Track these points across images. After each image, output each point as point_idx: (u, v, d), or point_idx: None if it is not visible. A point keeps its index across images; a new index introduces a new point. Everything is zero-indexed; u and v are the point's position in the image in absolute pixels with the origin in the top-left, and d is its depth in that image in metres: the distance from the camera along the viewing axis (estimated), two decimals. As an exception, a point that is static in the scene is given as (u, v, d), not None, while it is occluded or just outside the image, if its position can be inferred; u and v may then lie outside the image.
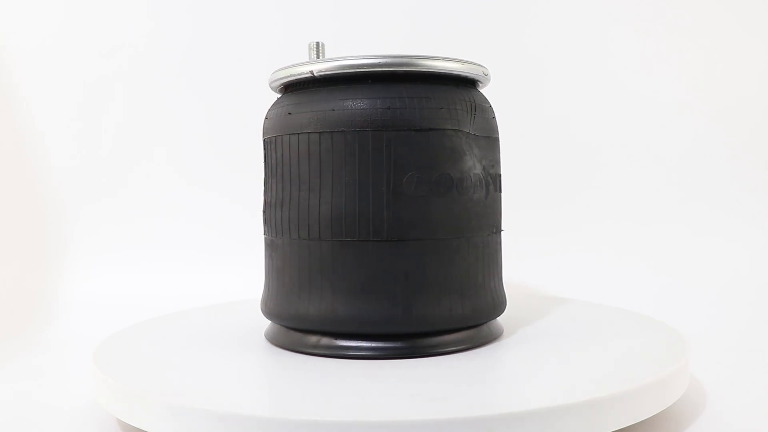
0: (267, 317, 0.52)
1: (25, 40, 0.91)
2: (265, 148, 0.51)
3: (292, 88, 0.50)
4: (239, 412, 0.36)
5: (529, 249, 0.85)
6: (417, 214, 0.46)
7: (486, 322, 0.50)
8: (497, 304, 0.50)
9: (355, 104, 0.46)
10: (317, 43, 0.52)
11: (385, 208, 0.46)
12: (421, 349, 0.47)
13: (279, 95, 0.53)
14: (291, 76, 0.49)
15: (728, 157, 0.89)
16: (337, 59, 0.47)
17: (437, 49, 0.58)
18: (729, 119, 0.89)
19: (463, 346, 0.48)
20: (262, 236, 0.53)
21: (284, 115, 0.49)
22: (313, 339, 0.48)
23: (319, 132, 0.46)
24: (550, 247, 0.87)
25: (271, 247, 0.51)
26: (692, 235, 0.87)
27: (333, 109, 0.46)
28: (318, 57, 0.52)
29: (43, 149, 0.92)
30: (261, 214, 0.52)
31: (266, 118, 0.51)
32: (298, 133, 0.47)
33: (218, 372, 0.45)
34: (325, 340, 0.47)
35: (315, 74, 0.47)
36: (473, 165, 0.48)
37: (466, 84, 0.50)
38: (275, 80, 0.51)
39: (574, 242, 0.88)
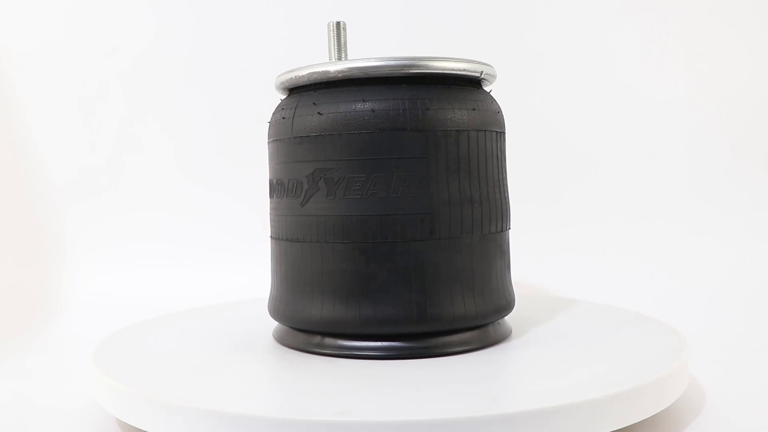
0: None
1: (26, 38, 0.91)
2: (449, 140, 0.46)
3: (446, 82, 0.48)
4: (240, 412, 0.36)
5: (529, 248, 0.85)
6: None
7: (494, 322, 0.50)
8: (506, 303, 0.50)
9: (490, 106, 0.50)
10: (337, 23, 0.49)
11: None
12: (430, 349, 0.46)
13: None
14: (478, 71, 0.48)
15: (729, 156, 0.89)
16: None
17: (435, 48, 0.58)
18: (730, 118, 0.89)
19: (470, 347, 0.47)
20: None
21: (466, 110, 0.47)
22: (319, 339, 0.48)
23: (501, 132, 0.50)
24: (549, 247, 0.87)
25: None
26: (692, 235, 0.87)
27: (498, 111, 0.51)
28: (339, 38, 0.49)
29: (44, 148, 0.91)
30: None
31: (427, 108, 0.46)
32: (487, 130, 0.48)
33: (219, 372, 0.45)
34: (333, 341, 0.47)
35: None
36: None
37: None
38: (471, 71, 0.48)
39: (573, 242, 0.88)
